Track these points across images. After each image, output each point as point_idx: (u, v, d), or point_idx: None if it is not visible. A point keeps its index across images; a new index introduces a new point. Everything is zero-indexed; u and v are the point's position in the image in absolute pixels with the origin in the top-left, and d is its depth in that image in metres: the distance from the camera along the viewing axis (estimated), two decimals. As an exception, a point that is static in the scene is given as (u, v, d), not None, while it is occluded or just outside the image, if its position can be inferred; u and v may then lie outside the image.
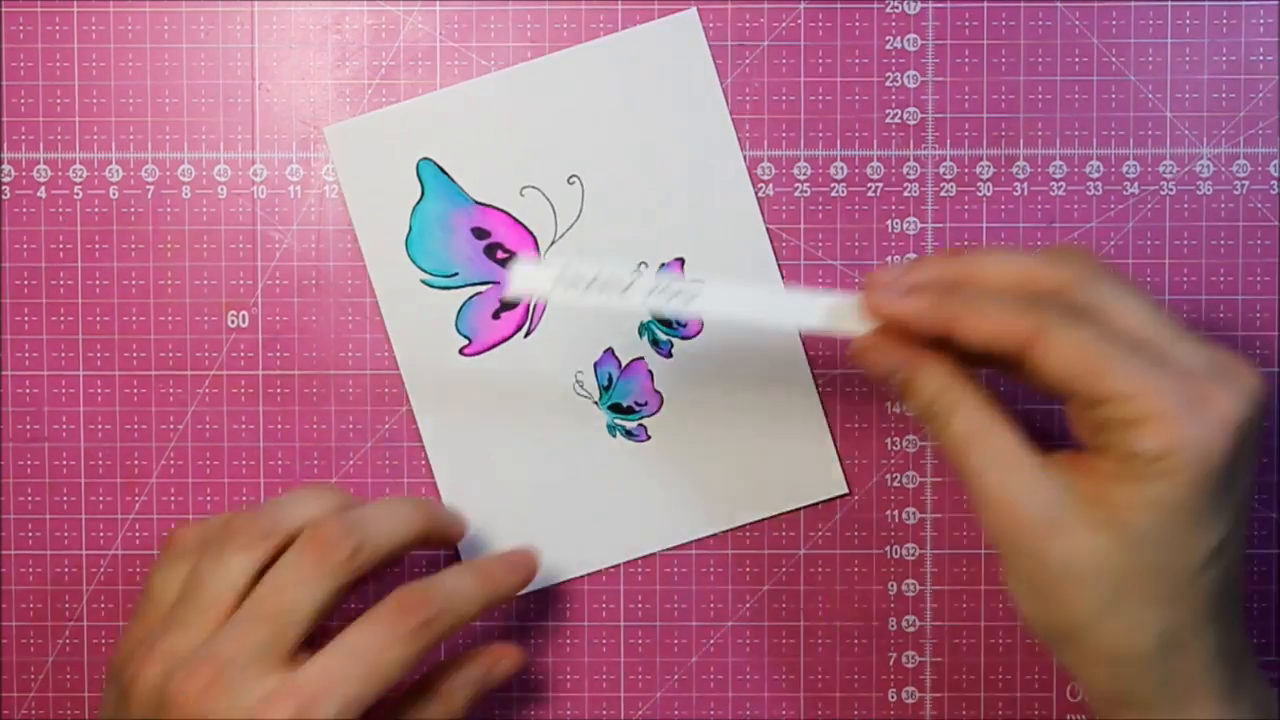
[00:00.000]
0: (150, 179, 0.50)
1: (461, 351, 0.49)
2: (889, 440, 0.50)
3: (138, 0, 0.49)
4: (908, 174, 0.50)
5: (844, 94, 0.50)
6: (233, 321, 0.50)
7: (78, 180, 0.50)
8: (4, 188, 0.50)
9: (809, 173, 0.50)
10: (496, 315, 0.49)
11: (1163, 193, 0.50)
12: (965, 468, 0.40)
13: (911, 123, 0.50)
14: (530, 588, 0.47)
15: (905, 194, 0.50)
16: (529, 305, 0.49)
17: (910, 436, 0.50)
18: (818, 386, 0.50)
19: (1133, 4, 0.50)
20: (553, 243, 0.49)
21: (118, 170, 0.50)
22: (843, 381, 0.50)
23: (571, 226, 0.49)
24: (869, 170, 0.50)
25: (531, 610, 0.50)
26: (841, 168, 0.50)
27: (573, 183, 0.49)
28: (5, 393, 0.50)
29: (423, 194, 0.49)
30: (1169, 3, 0.50)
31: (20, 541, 0.50)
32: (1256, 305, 0.50)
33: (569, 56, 0.49)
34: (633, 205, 0.49)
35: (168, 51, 0.50)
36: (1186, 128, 0.50)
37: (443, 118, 0.49)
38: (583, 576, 0.50)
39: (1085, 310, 0.39)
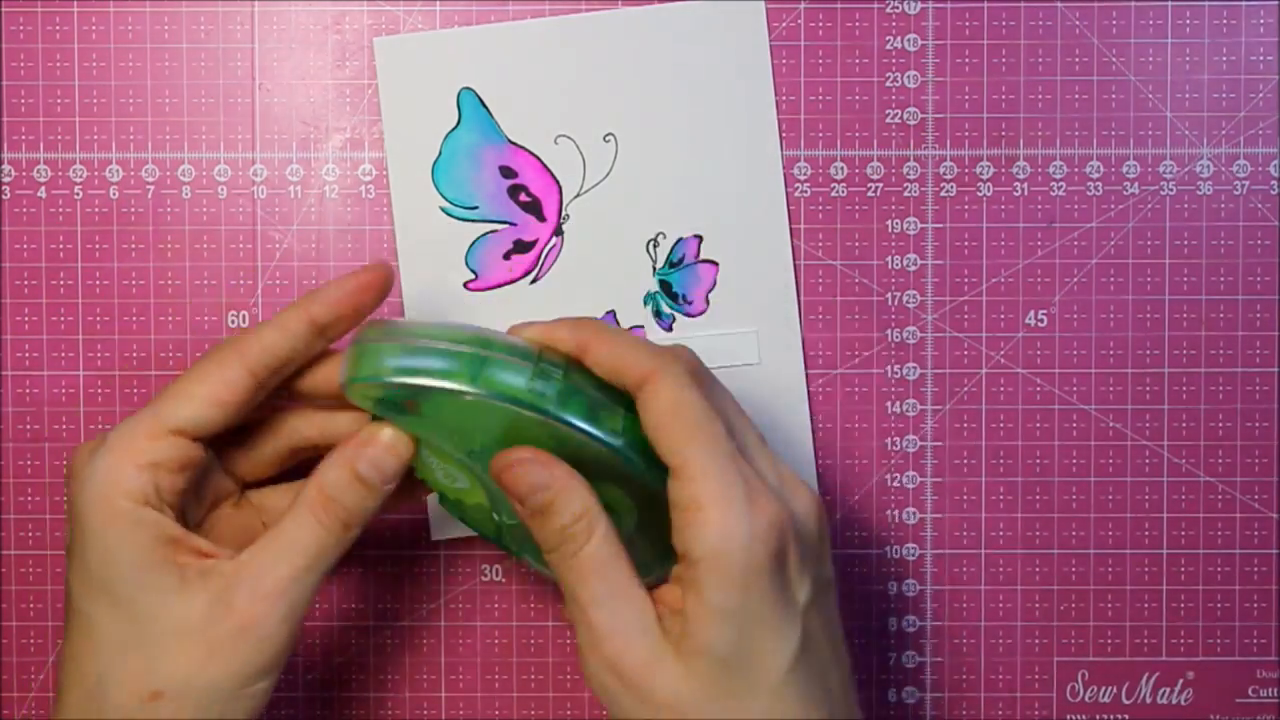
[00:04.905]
0: (150, 179, 0.50)
1: (466, 285, 0.49)
2: (889, 440, 0.50)
3: (138, 0, 0.49)
4: (908, 174, 0.50)
5: (844, 94, 0.50)
6: (233, 321, 0.50)
7: (78, 180, 0.49)
8: (4, 188, 0.49)
9: (809, 173, 0.50)
10: (507, 256, 0.50)
11: (1163, 193, 0.50)
12: (582, 597, 0.39)
13: (911, 123, 0.50)
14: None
15: (905, 194, 0.50)
16: (540, 252, 0.49)
17: (910, 436, 0.50)
18: (809, 391, 0.50)
19: (1133, 4, 0.50)
20: (577, 195, 0.49)
21: (118, 170, 0.49)
22: (843, 382, 0.50)
23: (599, 184, 0.49)
24: (869, 170, 0.50)
25: (532, 610, 0.50)
26: (841, 168, 0.50)
27: (608, 140, 0.49)
28: (5, 393, 0.50)
29: (459, 122, 0.49)
30: (1169, 3, 0.50)
31: (20, 541, 0.50)
32: (1256, 305, 0.50)
33: (630, 16, 0.49)
34: (663, 174, 0.49)
35: (168, 51, 0.50)
36: (1186, 128, 0.50)
37: (492, 52, 0.49)
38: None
39: (703, 382, 0.40)
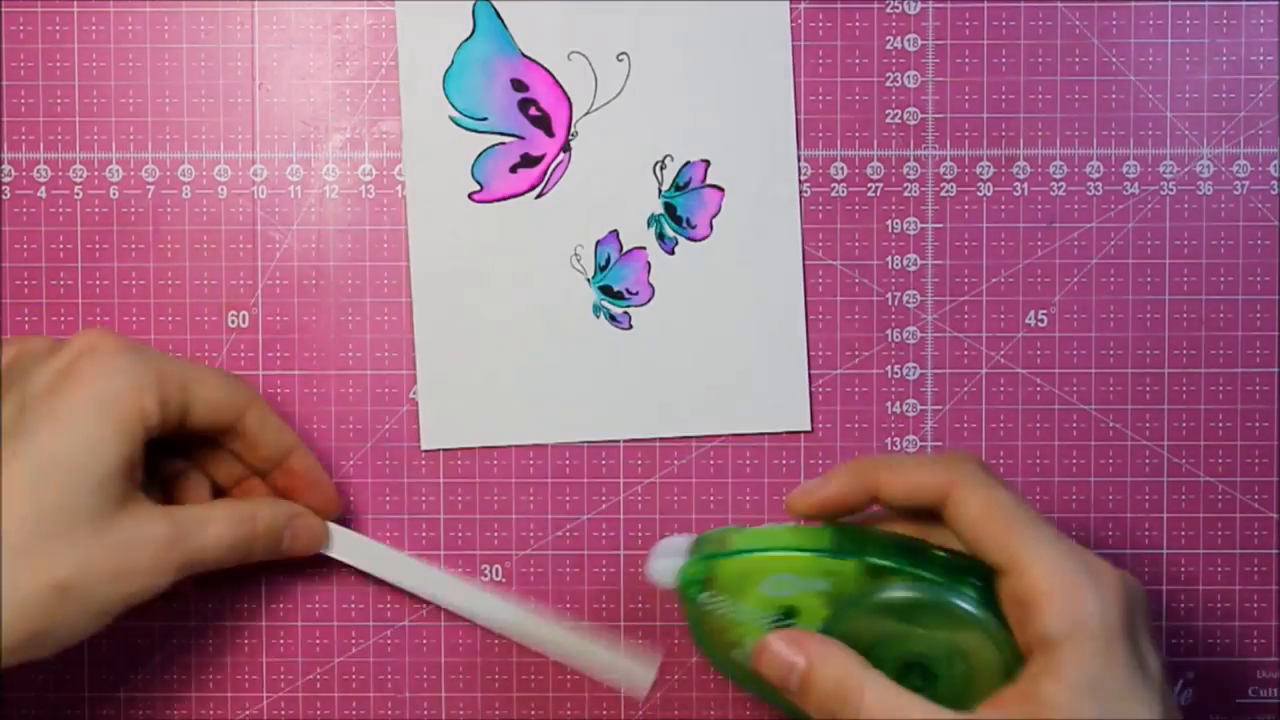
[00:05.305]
0: (150, 179, 0.50)
1: (471, 196, 0.49)
2: (889, 440, 0.50)
3: (138, 0, 0.49)
4: (908, 174, 0.50)
5: (844, 94, 0.50)
6: (233, 321, 0.50)
7: (78, 180, 0.50)
8: (4, 188, 0.50)
9: (809, 173, 0.50)
10: (514, 170, 0.50)
11: (1163, 193, 0.50)
12: None
13: (911, 123, 0.50)
14: (498, 441, 0.50)
15: (905, 194, 0.50)
16: (547, 167, 0.49)
17: (910, 437, 0.50)
18: (807, 318, 0.50)
19: (1133, 4, 0.50)
20: (587, 113, 0.49)
21: (118, 170, 0.50)
22: (843, 382, 0.50)
23: (609, 102, 0.49)
24: (869, 170, 0.50)
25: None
26: (841, 168, 0.50)
27: (621, 60, 0.49)
28: (5, 393, 0.50)
29: (473, 32, 0.49)
30: (1169, 3, 0.50)
31: (20, 541, 0.50)
32: (1256, 305, 0.50)
33: None
34: (673, 98, 0.49)
35: (168, 51, 0.50)
36: (1186, 128, 0.50)
37: None
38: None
39: (999, 477, 0.41)
